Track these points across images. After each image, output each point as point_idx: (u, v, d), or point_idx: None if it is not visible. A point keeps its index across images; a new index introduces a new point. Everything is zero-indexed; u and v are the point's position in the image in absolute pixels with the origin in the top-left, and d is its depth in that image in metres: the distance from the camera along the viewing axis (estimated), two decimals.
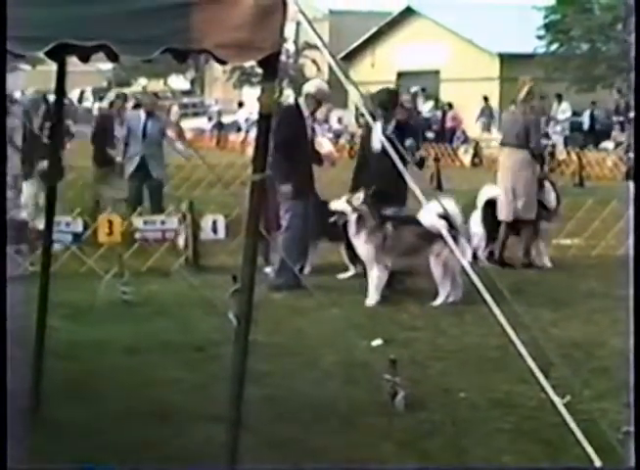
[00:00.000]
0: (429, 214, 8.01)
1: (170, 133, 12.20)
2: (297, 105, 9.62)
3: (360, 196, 8.82)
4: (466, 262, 4.75)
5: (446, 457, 5.05)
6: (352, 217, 8.85)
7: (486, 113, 32.94)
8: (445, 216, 7.65)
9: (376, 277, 8.72)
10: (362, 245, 8.82)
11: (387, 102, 9.23)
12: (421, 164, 9.67)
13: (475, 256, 9.95)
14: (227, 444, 3.97)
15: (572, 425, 3.98)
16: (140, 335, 7.49)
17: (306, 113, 9.44)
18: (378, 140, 8.64)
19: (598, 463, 3.99)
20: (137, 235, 9.32)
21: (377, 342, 7.15)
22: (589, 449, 3.98)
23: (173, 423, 5.46)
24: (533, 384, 4.38)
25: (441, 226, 7.12)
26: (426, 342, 7.41)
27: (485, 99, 33.14)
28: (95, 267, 9.44)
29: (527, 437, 5.35)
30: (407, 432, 5.42)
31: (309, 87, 9.63)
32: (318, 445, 5.18)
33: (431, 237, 8.47)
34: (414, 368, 6.53)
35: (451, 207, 8.14)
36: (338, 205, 9.01)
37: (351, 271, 9.82)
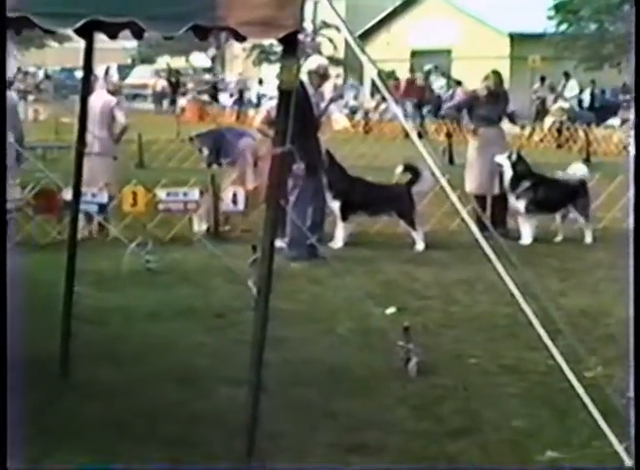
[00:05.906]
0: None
1: None
2: (301, 83, 9.66)
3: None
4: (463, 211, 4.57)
5: (458, 421, 5.12)
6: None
7: None
8: None
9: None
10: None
11: None
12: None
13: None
14: (248, 406, 4.05)
15: (580, 390, 4.05)
16: (163, 301, 7.62)
17: (311, 90, 9.42)
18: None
19: (603, 426, 4.11)
20: (160, 206, 9.47)
21: (391, 310, 7.29)
22: (595, 413, 4.06)
23: (196, 386, 5.58)
24: (542, 350, 4.46)
25: None
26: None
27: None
28: (120, 237, 9.66)
29: (536, 401, 5.45)
30: (420, 396, 5.51)
31: (310, 64, 9.57)
32: (334, 407, 5.27)
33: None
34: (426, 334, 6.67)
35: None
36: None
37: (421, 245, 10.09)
